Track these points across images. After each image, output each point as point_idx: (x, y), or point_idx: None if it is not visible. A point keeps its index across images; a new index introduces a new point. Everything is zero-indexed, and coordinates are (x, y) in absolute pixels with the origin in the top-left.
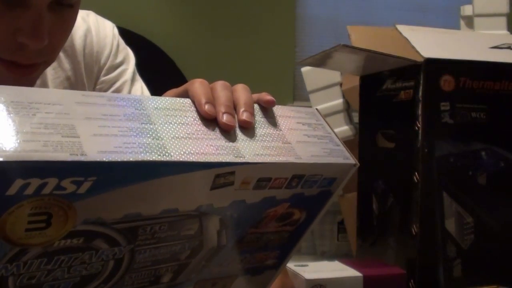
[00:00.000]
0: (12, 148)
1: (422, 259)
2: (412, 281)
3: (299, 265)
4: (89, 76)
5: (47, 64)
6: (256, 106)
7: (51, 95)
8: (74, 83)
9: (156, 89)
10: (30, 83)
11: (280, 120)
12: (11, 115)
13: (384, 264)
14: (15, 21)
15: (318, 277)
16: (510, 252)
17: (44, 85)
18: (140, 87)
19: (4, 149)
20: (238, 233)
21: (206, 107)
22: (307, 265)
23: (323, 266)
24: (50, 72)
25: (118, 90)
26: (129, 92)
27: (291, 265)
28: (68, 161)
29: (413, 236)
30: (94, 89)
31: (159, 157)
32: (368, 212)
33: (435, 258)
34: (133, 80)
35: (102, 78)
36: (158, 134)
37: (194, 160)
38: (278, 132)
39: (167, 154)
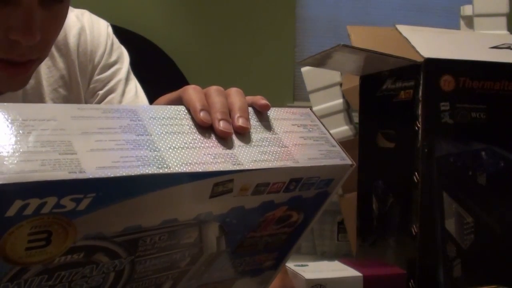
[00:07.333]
0: (10, 170)
1: (422, 259)
2: (412, 281)
3: (299, 265)
4: (83, 75)
5: (40, 60)
6: (250, 109)
7: (45, 110)
8: (68, 81)
9: (156, 89)
10: (24, 81)
11: (275, 123)
12: (7, 134)
13: (384, 264)
14: (7, 19)
15: (318, 277)
16: (510, 252)
17: (39, 84)
18: (134, 86)
19: (2, 170)
20: (237, 238)
21: (202, 114)
22: (307, 265)
23: (323, 266)
24: (44, 71)
25: (112, 89)
26: (123, 91)
27: (291, 265)
28: (67, 179)
29: (413, 236)
30: (88, 88)
31: (157, 169)
32: (368, 212)
33: (435, 258)
34: (127, 79)
35: (96, 77)
36: (155, 145)
37: (192, 170)
38: (274, 136)
39: (165, 166)
